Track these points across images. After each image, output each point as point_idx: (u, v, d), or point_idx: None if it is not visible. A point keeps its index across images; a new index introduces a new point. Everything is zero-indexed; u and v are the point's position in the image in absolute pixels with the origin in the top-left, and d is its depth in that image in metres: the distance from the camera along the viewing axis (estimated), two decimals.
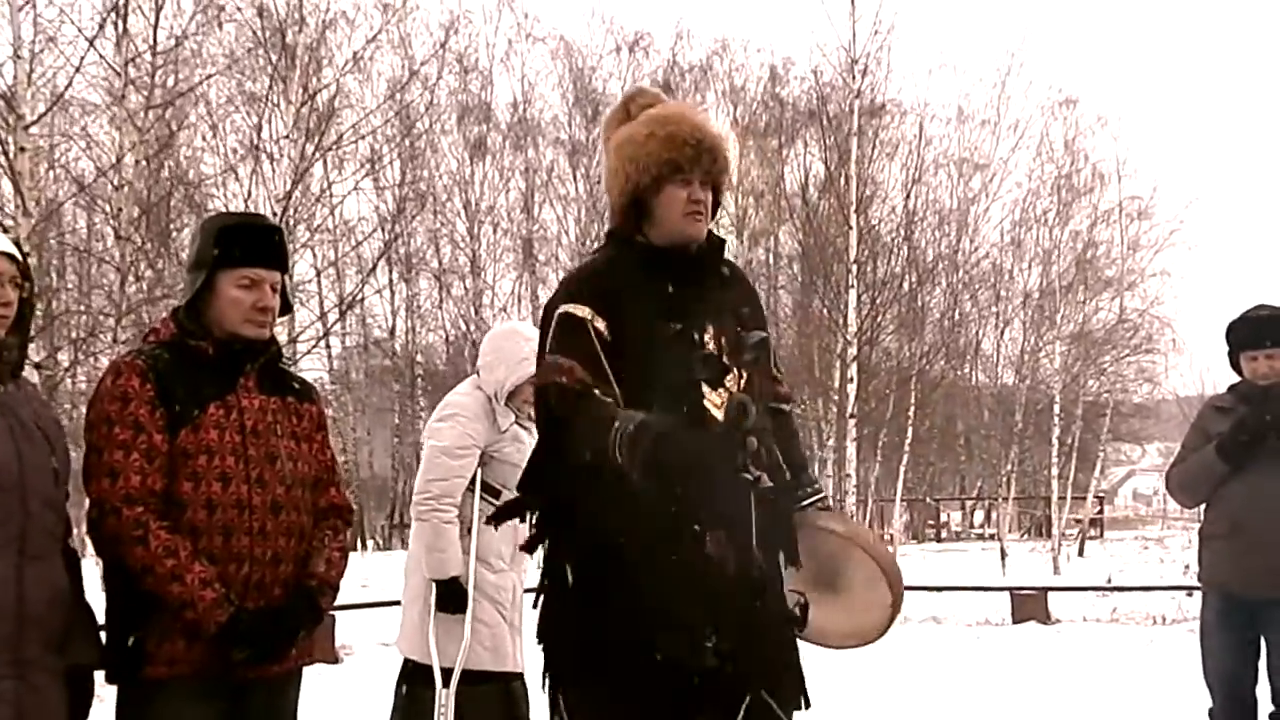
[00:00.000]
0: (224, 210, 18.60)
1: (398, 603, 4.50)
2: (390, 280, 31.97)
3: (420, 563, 4.16)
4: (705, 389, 2.70)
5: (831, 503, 2.98)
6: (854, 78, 19.31)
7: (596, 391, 2.62)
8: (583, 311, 2.69)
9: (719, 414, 2.68)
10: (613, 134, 2.87)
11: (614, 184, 2.82)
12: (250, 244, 2.85)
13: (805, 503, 2.90)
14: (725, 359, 2.75)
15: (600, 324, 2.68)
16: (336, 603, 3.07)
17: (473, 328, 29.00)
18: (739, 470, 2.63)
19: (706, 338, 2.74)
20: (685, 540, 2.62)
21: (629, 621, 2.61)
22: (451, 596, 4.09)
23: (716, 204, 2.85)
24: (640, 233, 2.80)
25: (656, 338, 2.69)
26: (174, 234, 16.62)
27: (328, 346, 28.42)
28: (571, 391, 2.63)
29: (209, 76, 18.26)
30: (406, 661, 4.27)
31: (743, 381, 2.76)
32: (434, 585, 4.13)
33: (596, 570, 2.66)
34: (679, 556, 2.61)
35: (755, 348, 2.79)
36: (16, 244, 2.64)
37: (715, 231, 2.89)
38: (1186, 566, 15.83)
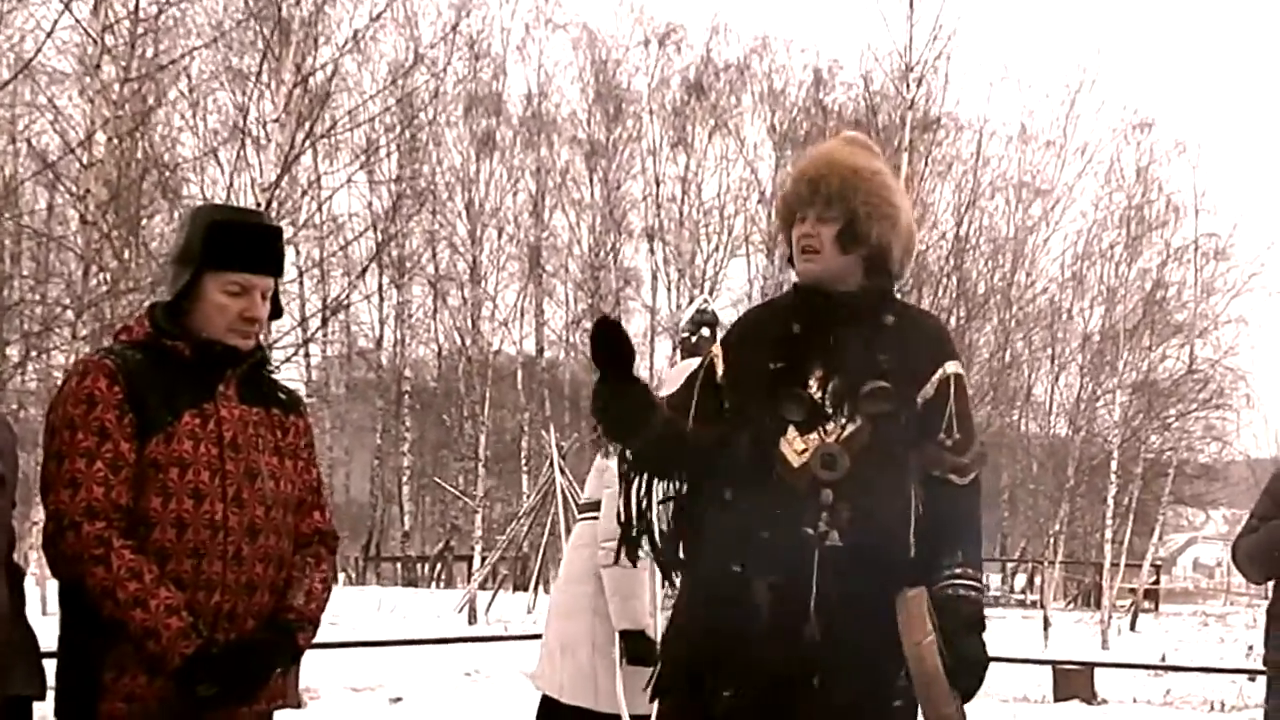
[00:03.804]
0: (205, 199, 18.71)
1: (370, 643, 4.63)
2: (380, 285, 32.08)
3: (592, 607, 4.40)
4: (791, 431, 2.83)
5: (973, 593, 2.86)
6: (907, 86, 19.39)
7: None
8: (716, 349, 3.04)
9: (796, 459, 2.81)
10: None
11: None
12: (244, 246, 2.85)
13: (941, 584, 2.84)
14: (828, 405, 2.85)
15: (720, 365, 2.98)
16: None
17: (469, 341, 29.07)
18: (803, 524, 2.75)
19: (811, 380, 2.86)
20: (725, 586, 2.79)
21: (677, 653, 2.93)
22: (645, 648, 4.29)
23: (855, 235, 2.90)
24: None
25: (755, 375, 2.88)
26: (144, 221, 16.68)
27: (307, 355, 28.51)
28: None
29: (193, 50, 18.37)
30: (547, 701, 4.42)
31: (845, 432, 2.83)
32: (620, 635, 4.35)
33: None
34: (718, 601, 2.80)
35: (871, 398, 2.84)
36: None
37: (892, 275, 2.99)
38: (1250, 647, 15.78)
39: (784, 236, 3.05)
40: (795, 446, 2.81)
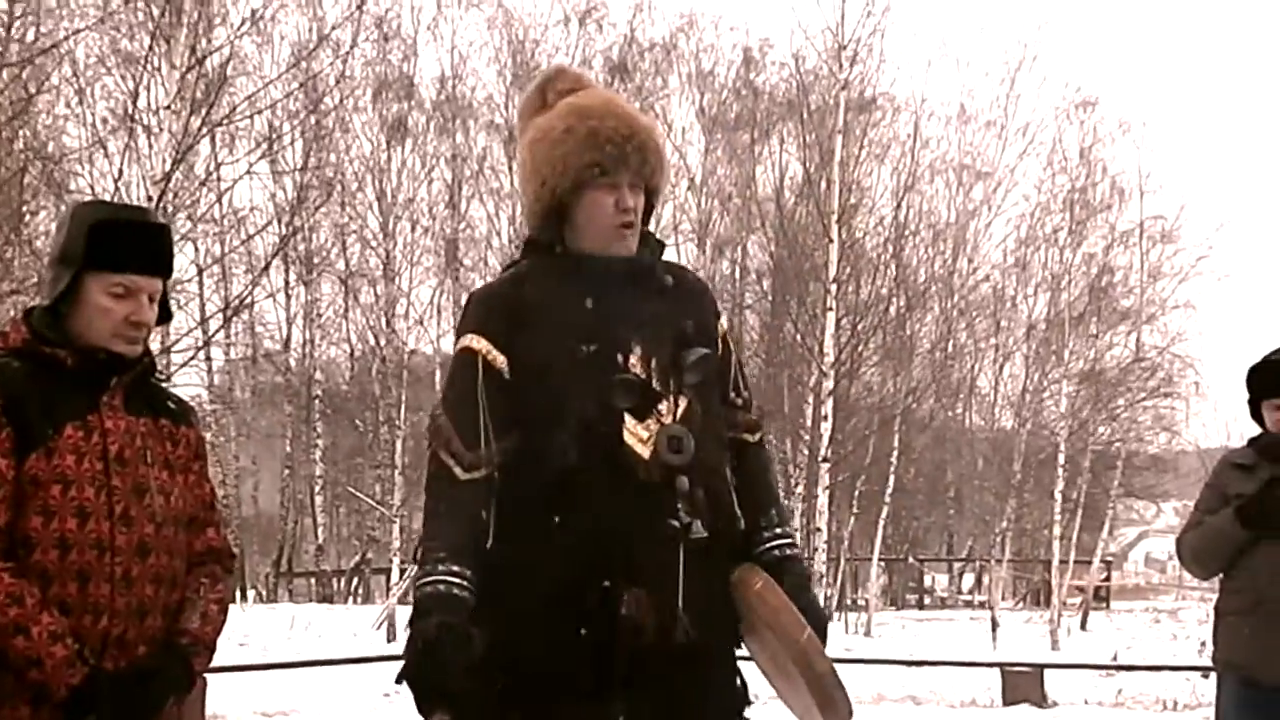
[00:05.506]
0: (91, 194, 18.45)
1: (281, 665, 4.53)
2: (287, 282, 31.84)
3: None
4: (629, 420, 2.73)
5: (796, 549, 2.92)
6: (841, 66, 19.56)
7: (458, 471, 2.72)
8: (479, 344, 2.78)
9: (644, 450, 2.73)
10: (527, 125, 2.90)
11: (529, 186, 2.86)
12: (128, 245, 2.82)
13: (763, 548, 2.87)
14: (656, 384, 2.77)
15: (499, 358, 2.76)
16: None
17: (383, 341, 28.89)
18: (666, 517, 2.69)
19: (632, 360, 2.77)
20: (590, 601, 2.67)
21: (529, 692, 2.70)
22: None
23: (650, 209, 2.89)
24: (561, 240, 2.84)
25: (566, 363, 2.74)
26: (27, 218, 16.44)
27: (208, 358, 28.20)
28: (438, 472, 2.76)
29: (77, 32, 18.13)
30: None
31: (679, 410, 2.78)
32: None
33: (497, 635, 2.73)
34: (582, 619, 2.67)
35: (695, 368, 2.79)
36: None
37: (654, 235, 2.94)
38: (1203, 644, 16.05)
39: (551, 202, 2.82)
40: (639, 435, 2.73)
